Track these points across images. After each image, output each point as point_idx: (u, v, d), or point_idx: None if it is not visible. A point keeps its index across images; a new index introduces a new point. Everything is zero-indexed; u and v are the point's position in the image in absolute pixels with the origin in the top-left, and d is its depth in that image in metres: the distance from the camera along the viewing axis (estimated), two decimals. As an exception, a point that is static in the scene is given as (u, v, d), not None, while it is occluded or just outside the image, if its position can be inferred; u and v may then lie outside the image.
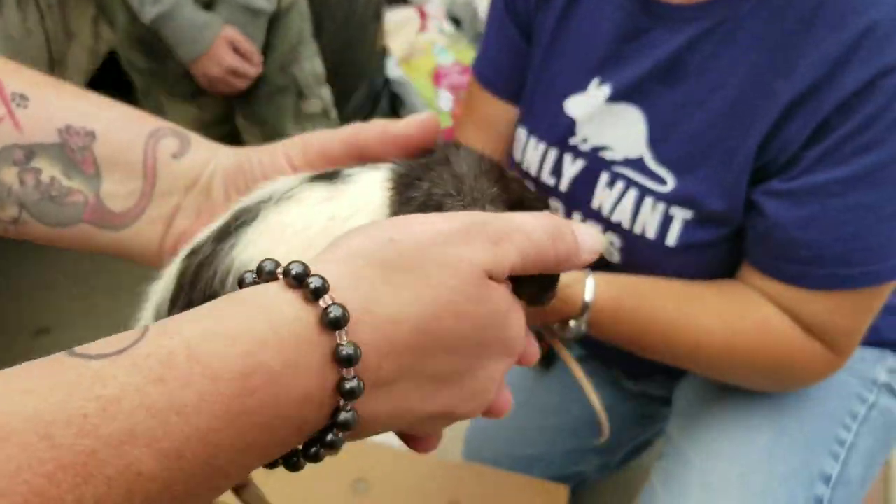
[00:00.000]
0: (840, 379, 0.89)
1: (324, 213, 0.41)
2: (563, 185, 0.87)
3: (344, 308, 0.30)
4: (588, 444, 1.22)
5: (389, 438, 1.39)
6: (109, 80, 1.83)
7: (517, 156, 0.92)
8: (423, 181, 0.42)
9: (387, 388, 0.32)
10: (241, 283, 0.33)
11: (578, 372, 0.83)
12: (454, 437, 1.68)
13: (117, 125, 0.45)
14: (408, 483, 0.99)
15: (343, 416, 0.32)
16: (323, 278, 0.30)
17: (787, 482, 0.82)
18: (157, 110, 1.70)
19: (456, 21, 2.66)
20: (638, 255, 0.83)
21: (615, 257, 0.86)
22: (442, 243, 0.33)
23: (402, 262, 0.32)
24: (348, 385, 0.30)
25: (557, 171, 0.87)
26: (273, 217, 0.41)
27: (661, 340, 0.78)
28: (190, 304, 0.36)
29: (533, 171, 0.89)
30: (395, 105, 2.50)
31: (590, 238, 0.40)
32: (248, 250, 0.39)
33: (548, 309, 0.73)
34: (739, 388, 0.90)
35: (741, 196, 0.76)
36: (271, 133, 1.67)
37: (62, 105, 0.43)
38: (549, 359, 1.20)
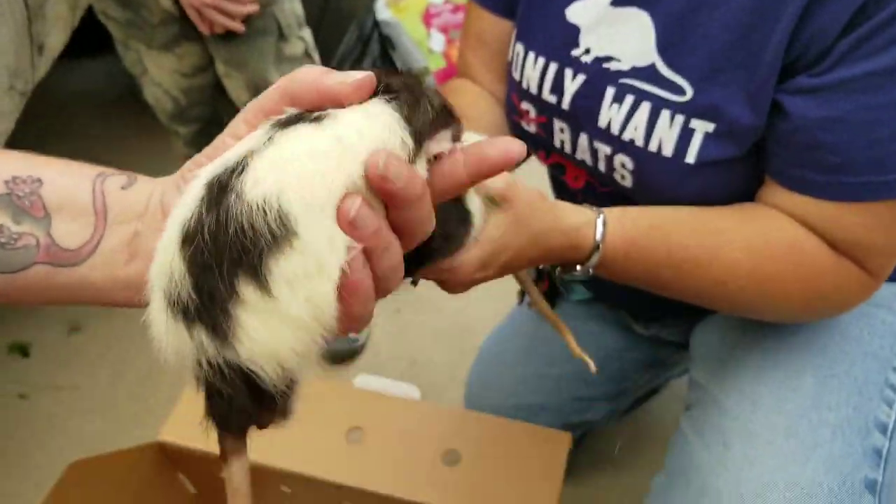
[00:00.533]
0: (880, 317, 0.82)
1: (325, 136, 0.38)
2: (566, 103, 0.79)
3: None
4: (596, 391, 1.17)
5: (384, 386, 1.33)
6: (93, 36, 1.75)
7: (515, 74, 0.84)
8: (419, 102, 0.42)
9: None
10: None
11: (547, 311, 0.78)
12: (455, 384, 1.67)
13: (63, 170, 0.46)
14: (403, 431, 0.94)
15: None
16: None
17: (841, 431, 0.74)
18: (137, 63, 1.63)
19: (446, -38, 2.56)
20: (652, 177, 0.75)
21: (627, 180, 0.78)
22: None
23: None
24: None
25: (558, 87, 0.79)
26: (269, 154, 0.38)
27: (681, 280, 0.71)
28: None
29: (533, 88, 0.82)
30: (385, 48, 2.42)
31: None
32: (259, 188, 0.37)
33: (553, 252, 0.69)
34: (766, 327, 0.83)
35: (769, 103, 0.67)
36: (253, 78, 1.60)
37: (7, 160, 0.44)
38: (551, 298, 1.14)
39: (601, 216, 0.70)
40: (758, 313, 0.78)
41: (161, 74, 1.63)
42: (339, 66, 2.28)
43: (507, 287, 1.80)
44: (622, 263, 0.71)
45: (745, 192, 0.74)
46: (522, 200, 0.65)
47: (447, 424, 0.94)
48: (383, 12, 2.36)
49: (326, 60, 2.20)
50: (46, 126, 2.36)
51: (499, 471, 0.88)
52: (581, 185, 0.88)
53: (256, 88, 1.61)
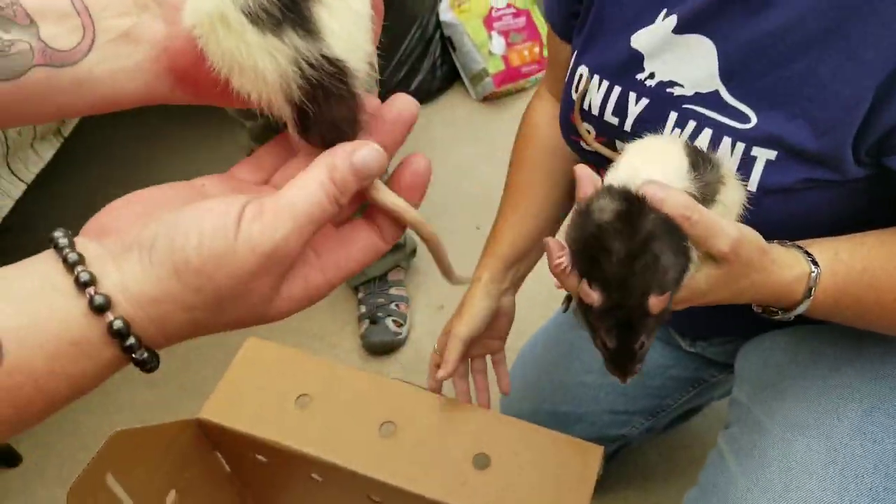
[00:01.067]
0: None
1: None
2: (628, 125, 0.80)
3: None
4: (635, 406, 1.16)
5: (419, 380, 1.35)
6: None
7: (575, 95, 0.85)
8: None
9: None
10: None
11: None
12: (491, 385, 1.66)
13: None
14: (436, 429, 0.95)
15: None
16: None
17: (884, 464, 0.73)
18: None
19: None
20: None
21: None
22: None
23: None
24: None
25: (621, 110, 0.80)
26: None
27: (885, 318, 0.71)
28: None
29: (595, 110, 0.82)
30: (446, 48, 2.43)
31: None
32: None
33: (752, 302, 0.69)
34: (817, 353, 0.82)
35: (842, 138, 0.67)
36: None
37: None
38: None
39: (815, 272, 0.67)
40: None
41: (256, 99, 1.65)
42: (400, 66, 2.31)
43: (549, 292, 1.81)
44: (828, 309, 0.70)
45: (821, 225, 0.73)
46: (741, 260, 0.61)
47: (480, 426, 0.94)
48: (446, 13, 2.37)
49: (388, 59, 2.22)
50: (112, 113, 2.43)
51: (528, 478, 0.89)
52: None
53: None
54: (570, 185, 1.01)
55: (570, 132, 0.88)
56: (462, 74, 2.45)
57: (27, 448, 1.58)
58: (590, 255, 0.58)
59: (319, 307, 1.89)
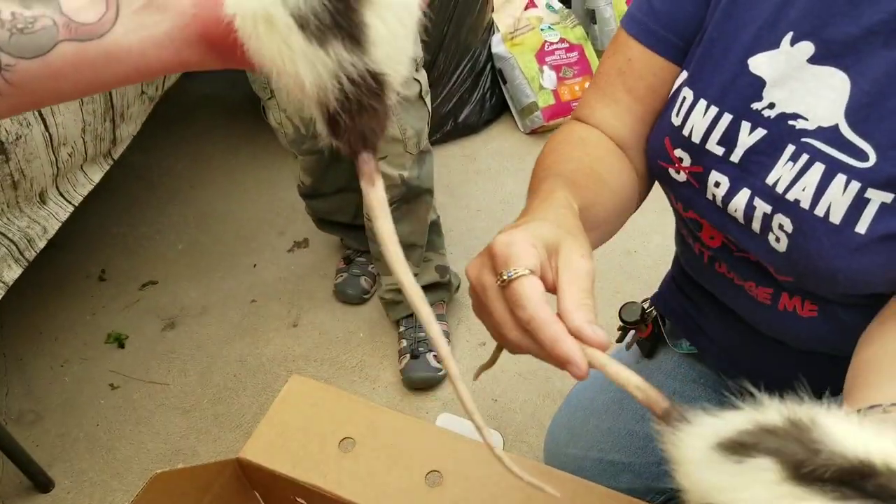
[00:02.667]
0: None
1: None
2: (736, 156, 0.74)
3: None
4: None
5: (467, 429, 1.31)
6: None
7: (675, 119, 0.79)
8: None
9: None
10: None
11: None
12: (535, 428, 1.63)
13: None
14: (484, 480, 0.91)
15: None
16: None
17: None
18: (265, 88, 1.65)
19: (565, -1, 2.55)
20: (812, 243, 0.69)
21: (781, 244, 0.72)
22: None
23: None
24: None
25: (730, 139, 0.74)
26: None
27: None
28: None
29: (696, 137, 0.77)
30: (497, 81, 2.41)
31: None
32: None
33: None
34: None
35: None
36: None
37: None
38: (651, 346, 1.10)
39: None
40: None
41: (287, 101, 1.65)
42: (451, 97, 2.30)
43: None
44: None
45: None
46: None
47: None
48: (498, 46, 2.36)
49: (439, 89, 2.21)
50: (175, 128, 2.46)
51: (579, 537, 0.84)
52: (717, 244, 0.83)
53: None
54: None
55: (658, 156, 0.83)
56: (511, 107, 2.43)
57: (59, 473, 1.58)
58: None
59: (360, 339, 1.88)
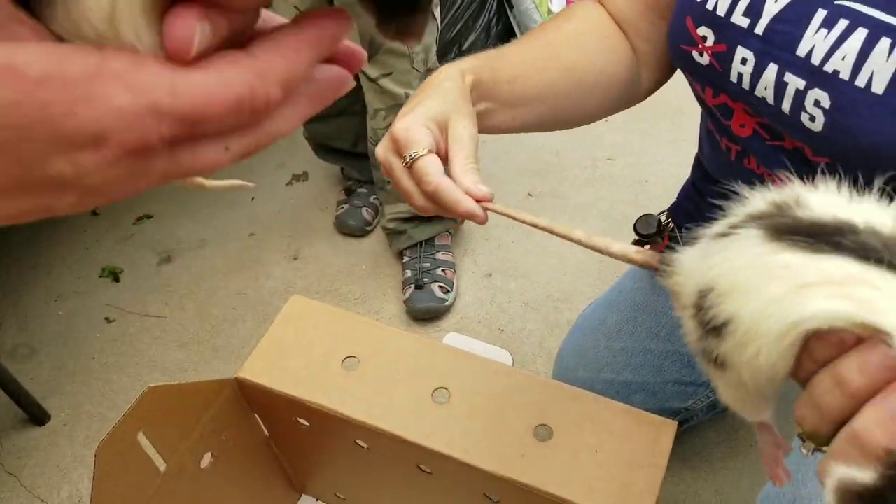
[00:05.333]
0: None
1: None
2: (760, 27, 0.68)
3: None
4: (701, 378, 1.07)
5: (475, 347, 1.26)
6: None
7: None
8: None
9: None
10: None
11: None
12: (543, 357, 1.60)
13: None
14: (492, 397, 0.87)
15: None
16: None
17: None
18: None
19: (572, -77, 2.44)
20: (851, 118, 0.64)
21: (816, 122, 0.66)
22: None
23: None
24: None
25: (755, 8, 0.69)
26: None
27: None
28: None
29: (721, 10, 0.71)
30: (503, 6, 2.32)
31: None
32: None
33: None
34: None
35: None
36: (369, 29, 1.52)
37: None
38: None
39: None
40: None
41: (284, 9, 1.57)
42: (454, 23, 2.21)
43: (600, 263, 1.72)
44: None
45: None
46: None
47: (540, 396, 0.86)
48: (504, -33, 2.26)
49: (443, 14, 2.13)
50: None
51: (594, 454, 0.80)
52: (748, 132, 0.77)
53: (371, 41, 1.53)
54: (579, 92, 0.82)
55: (680, 40, 0.76)
56: (518, 34, 2.34)
57: (55, 406, 1.54)
58: None
59: (362, 272, 1.83)
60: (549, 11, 2.22)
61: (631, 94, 0.87)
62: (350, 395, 0.88)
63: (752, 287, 0.42)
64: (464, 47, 2.23)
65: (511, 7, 2.30)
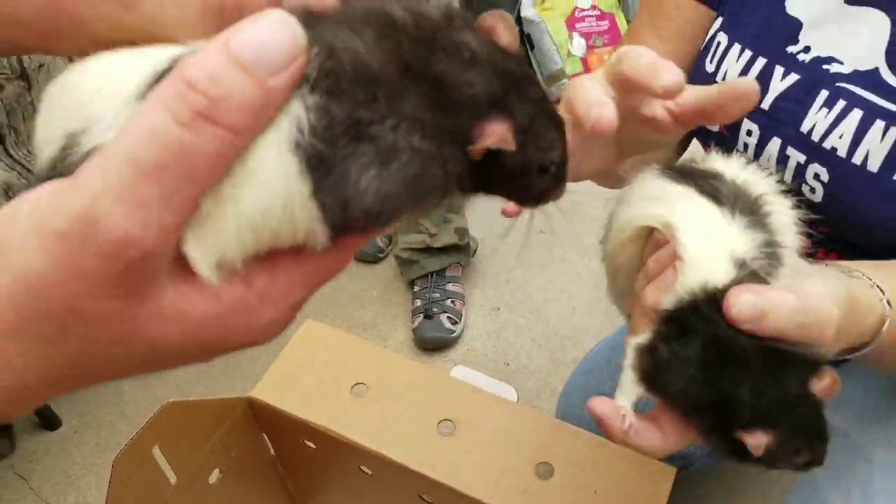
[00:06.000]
0: None
1: None
2: (766, 102, 0.72)
3: None
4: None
5: (481, 382, 1.29)
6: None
7: (710, 66, 0.78)
8: None
9: None
10: None
11: None
12: (547, 394, 1.61)
13: None
14: (497, 432, 0.89)
15: None
16: None
17: None
18: None
19: (598, -33, 2.50)
20: (849, 193, 0.68)
21: (817, 194, 0.70)
22: None
23: None
24: None
25: (762, 85, 0.72)
26: None
27: None
28: None
29: None
30: (524, 45, 2.37)
31: None
32: None
33: (854, 323, 0.54)
34: None
35: None
36: None
37: None
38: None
39: (888, 311, 0.56)
40: None
41: None
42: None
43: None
44: (886, 348, 0.58)
45: None
46: (846, 333, 0.52)
47: (544, 434, 0.88)
48: (528, 9, 2.32)
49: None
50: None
51: (594, 494, 0.82)
52: None
53: None
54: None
55: None
56: (538, 73, 2.39)
57: (67, 412, 1.57)
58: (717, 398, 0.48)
59: (373, 297, 1.86)
60: (570, 54, 2.27)
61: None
62: (357, 421, 0.91)
63: (627, 199, 0.57)
64: (486, 83, 2.29)
65: (532, 48, 2.35)
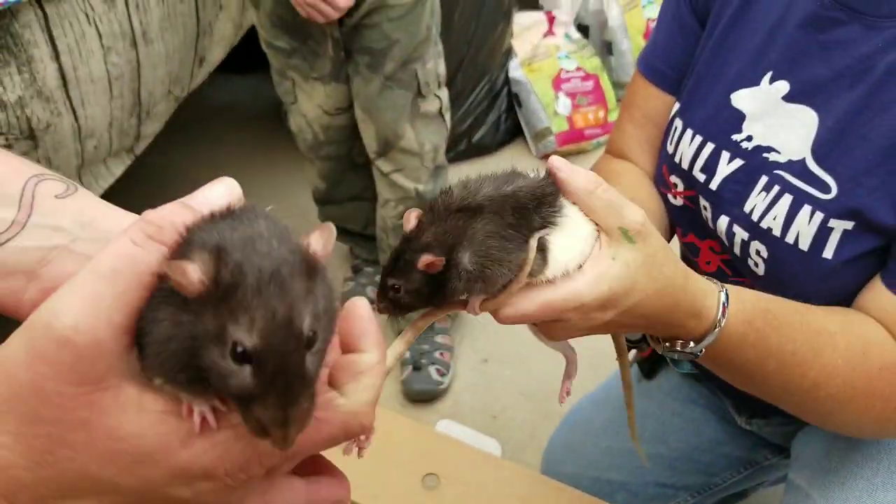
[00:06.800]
0: None
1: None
2: (714, 184, 0.79)
3: None
4: (682, 481, 1.12)
5: (466, 436, 1.32)
6: (245, 54, 1.85)
7: (670, 147, 0.85)
8: None
9: None
10: None
11: (627, 379, 0.79)
12: (533, 447, 1.63)
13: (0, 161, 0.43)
14: (480, 486, 0.92)
15: None
16: None
17: None
18: (290, 92, 1.67)
19: (583, 29, 2.59)
20: (786, 268, 0.74)
21: (759, 268, 0.77)
22: None
23: None
24: None
25: (710, 167, 0.79)
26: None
27: (782, 374, 0.67)
28: None
29: (685, 164, 0.82)
30: (512, 104, 2.45)
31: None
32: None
33: (675, 313, 0.61)
34: (881, 443, 0.80)
35: None
36: (384, 129, 1.62)
37: None
38: (651, 367, 1.11)
39: (723, 290, 0.64)
40: (828, 422, 0.74)
41: (309, 107, 1.67)
42: (466, 117, 2.33)
43: (603, 354, 1.76)
44: (736, 347, 0.65)
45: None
46: (658, 242, 0.57)
47: (529, 490, 0.91)
48: (516, 71, 2.40)
49: (456, 109, 2.25)
50: (194, 132, 2.49)
51: (572, 547, 0.85)
52: (713, 269, 0.87)
53: (386, 140, 1.63)
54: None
55: (660, 184, 0.87)
56: (525, 131, 2.46)
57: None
58: None
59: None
60: (556, 113, 2.34)
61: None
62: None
63: None
64: (473, 140, 2.35)
65: (520, 106, 2.43)
